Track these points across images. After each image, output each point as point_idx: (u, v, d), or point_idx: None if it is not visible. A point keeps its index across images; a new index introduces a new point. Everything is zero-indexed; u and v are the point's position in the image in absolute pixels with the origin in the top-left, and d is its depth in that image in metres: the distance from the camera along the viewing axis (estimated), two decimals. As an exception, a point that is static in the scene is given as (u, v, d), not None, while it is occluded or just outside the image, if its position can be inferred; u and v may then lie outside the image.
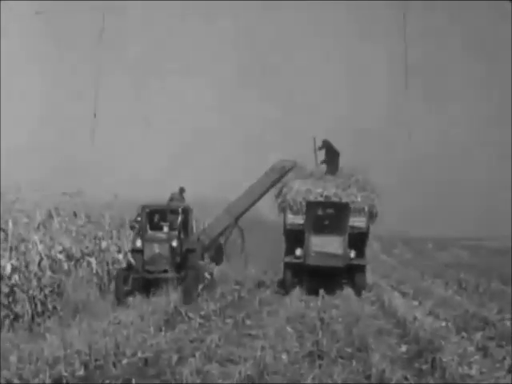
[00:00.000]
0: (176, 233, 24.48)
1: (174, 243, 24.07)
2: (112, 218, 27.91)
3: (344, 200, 27.53)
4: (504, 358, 14.26)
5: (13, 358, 12.92)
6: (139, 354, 13.85)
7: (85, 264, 24.00)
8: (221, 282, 27.05)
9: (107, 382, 11.92)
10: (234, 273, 30.17)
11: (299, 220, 27.54)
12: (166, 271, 23.84)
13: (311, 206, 27.32)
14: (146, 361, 13.53)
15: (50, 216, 24.62)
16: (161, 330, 16.65)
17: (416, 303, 23.65)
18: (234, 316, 19.33)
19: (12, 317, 17.88)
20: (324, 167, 29.19)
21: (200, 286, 24.68)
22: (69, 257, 23.19)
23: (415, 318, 18.50)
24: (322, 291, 24.64)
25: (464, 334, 17.08)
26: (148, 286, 23.35)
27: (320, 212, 27.70)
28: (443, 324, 18.61)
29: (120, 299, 22.37)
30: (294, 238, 27.35)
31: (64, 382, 11.94)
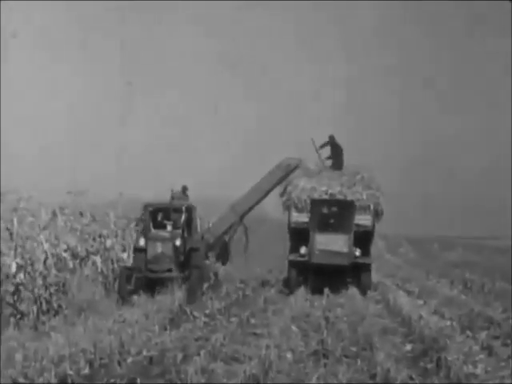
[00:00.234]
0: (179, 231, 24.26)
1: (178, 242, 23.84)
2: (117, 216, 27.93)
3: (349, 198, 27.48)
4: (509, 357, 14.23)
5: (18, 357, 12.94)
6: (144, 353, 13.86)
7: (90, 263, 24.02)
8: (225, 281, 27.01)
9: (112, 380, 11.93)
10: (238, 272, 30.13)
11: (304, 218, 27.47)
12: (169, 270, 23.60)
13: (316, 203, 27.25)
14: (150, 359, 13.53)
15: (55, 215, 24.65)
16: (166, 329, 16.65)
17: (421, 302, 23.63)
18: (238, 315, 19.31)
19: (18, 316, 17.90)
20: (329, 163, 29.13)
21: (205, 286, 24.65)
22: (74, 255, 23.24)
23: (420, 317, 18.48)
24: (326, 290, 24.59)
25: (469, 333, 17.05)
26: (151, 285, 23.12)
27: (325, 210, 27.63)
28: (448, 323, 18.58)
29: (123, 298, 22.18)
30: (299, 236, 27.28)
31: (69, 380, 11.95)
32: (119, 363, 13.15)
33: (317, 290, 25.25)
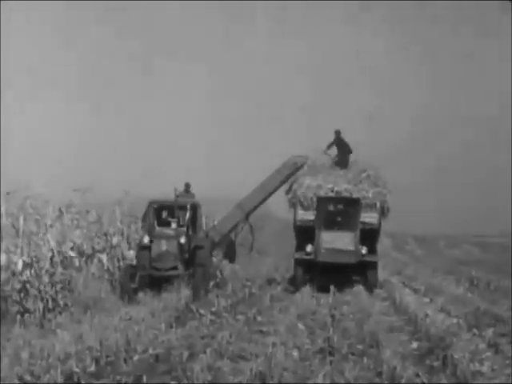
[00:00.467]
0: (184, 229, 24.12)
1: (182, 240, 23.67)
2: (123, 214, 27.93)
3: (355, 195, 27.39)
4: (515, 355, 14.23)
5: (24, 354, 12.96)
6: (150, 351, 13.86)
7: (96, 260, 24.03)
8: (231, 279, 26.97)
9: (118, 378, 11.93)
10: (244, 270, 30.10)
11: (310, 216, 27.40)
12: (173, 268, 23.43)
13: (322, 201, 27.17)
14: (157, 357, 13.53)
15: (61, 213, 24.67)
16: (172, 327, 16.65)
17: (427, 300, 23.59)
18: (245, 312, 19.31)
19: (24, 314, 17.92)
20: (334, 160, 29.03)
21: (211, 283, 24.59)
22: (80, 253, 23.26)
23: (426, 315, 18.46)
24: (332, 288, 24.52)
25: (475, 330, 17.01)
26: (155, 283, 22.97)
27: (331, 208, 27.59)
28: (454, 321, 18.54)
29: (127, 297, 21.93)
30: (305, 234, 27.20)
31: (75, 378, 11.95)
32: (125, 361, 13.16)
33: (323, 289, 25.20)
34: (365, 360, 13.47)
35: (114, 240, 25.61)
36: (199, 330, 16.65)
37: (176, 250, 23.60)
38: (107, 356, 13.24)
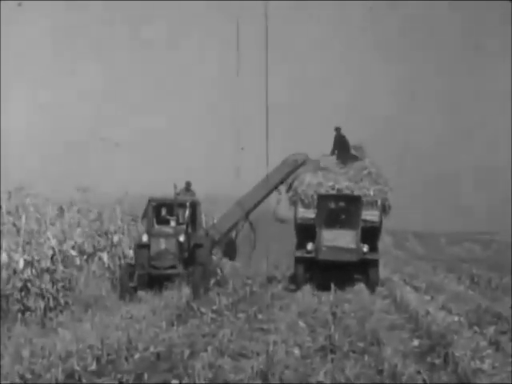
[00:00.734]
0: (183, 227, 23.88)
1: (181, 238, 23.46)
2: (123, 212, 27.93)
3: (356, 193, 27.26)
4: (517, 353, 14.22)
5: (25, 353, 12.97)
6: (151, 349, 13.86)
7: (97, 259, 24.02)
8: (232, 278, 26.92)
9: (119, 376, 11.93)
10: (245, 268, 30.05)
11: (310, 214, 27.26)
12: (172, 267, 23.22)
13: (323, 199, 27.03)
14: (158, 355, 13.53)
15: (62, 211, 24.69)
16: (173, 325, 16.65)
17: (428, 298, 23.57)
18: (246, 310, 19.32)
19: (24, 311, 17.93)
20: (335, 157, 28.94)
21: (211, 282, 24.54)
22: (81, 252, 23.25)
23: (427, 313, 18.46)
24: (333, 286, 24.43)
25: (476, 328, 17.01)
26: (154, 282, 22.79)
27: (332, 205, 27.47)
28: (456, 318, 18.54)
29: (125, 296, 21.81)
30: (305, 232, 27.06)
31: (76, 376, 11.96)
32: (126, 359, 13.16)
33: (323, 287, 25.09)
34: (366, 358, 13.46)
35: (115, 238, 25.60)
36: (200, 328, 16.66)
37: (175, 249, 23.39)
38: (108, 354, 13.25)
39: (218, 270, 26.53)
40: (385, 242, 53.85)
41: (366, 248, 26.32)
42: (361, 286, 25.55)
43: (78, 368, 12.20)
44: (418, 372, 12.17)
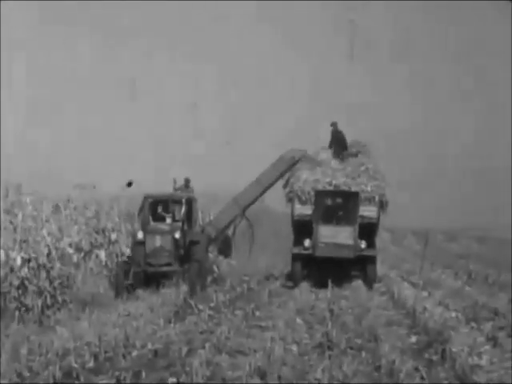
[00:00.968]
0: (179, 224, 23.70)
1: (177, 235, 23.24)
2: (121, 210, 27.92)
3: (354, 189, 27.15)
4: (514, 349, 14.25)
5: (23, 351, 12.97)
6: (149, 346, 13.86)
7: (94, 256, 24.00)
8: (229, 275, 26.87)
9: (117, 373, 11.92)
10: (242, 265, 29.99)
11: (307, 210, 27.15)
12: (168, 264, 23.04)
13: (320, 195, 26.93)
14: (155, 352, 13.54)
15: (58, 208, 24.67)
16: (170, 322, 16.66)
17: (426, 294, 23.59)
18: (243, 308, 19.32)
19: (23, 310, 17.95)
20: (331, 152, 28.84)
21: (209, 279, 24.50)
22: (78, 249, 23.24)
23: (425, 309, 18.50)
24: (330, 283, 24.40)
25: (474, 324, 17.05)
26: (150, 279, 22.64)
27: (329, 202, 27.39)
28: (453, 315, 18.58)
29: (121, 293, 21.67)
30: (303, 228, 26.95)
31: (74, 373, 11.95)
32: (124, 356, 13.16)
33: (321, 284, 25.06)
34: (363, 354, 13.48)
35: (112, 236, 25.56)
36: (198, 325, 16.66)
37: (170, 246, 23.22)
38: (106, 352, 13.25)
39: (215, 268, 26.46)
40: (383, 238, 53.88)
41: (363, 244, 26.22)
42: (358, 283, 25.54)
43: (75, 365, 12.20)
44: (416, 368, 12.19)
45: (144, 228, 23.73)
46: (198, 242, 24.14)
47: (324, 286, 24.31)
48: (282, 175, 28.78)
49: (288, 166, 28.67)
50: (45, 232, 21.29)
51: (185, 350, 13.59)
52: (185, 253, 23.66)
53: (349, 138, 29.07)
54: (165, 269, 22.97)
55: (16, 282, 18.32)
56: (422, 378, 11.87)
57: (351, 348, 14.15)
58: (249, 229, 30.16)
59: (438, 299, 21.65)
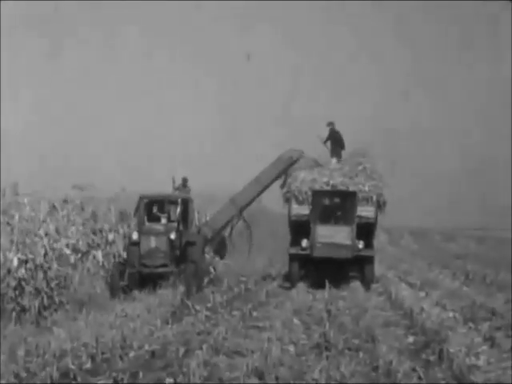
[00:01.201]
0: (175, 225, 23.48)
1: (172, 236, 23.00)
2: (118, 210, 27.89)
3: (351, 189, 27.06)
4: (511, 349, 14.23)
5: (20, 352, 12.96)
6: (146, 347, 13.86)
7: (91, 257, 23.97)
8: (226, 275, 26.81)
9: (114, 374, 11.92)
10: (239, 266, 29.94)
11: (304, 210, 27.08)
12: (163, 266, 22.83)
13: (317, 195, 26.86)
14: (153, 353, 13.53)
15: (55, 208, 24.66)
16: (168, 323, 16.64)
17: (423, 294, 23.58)
18: (240, 308, 19.31)
19: (19, 309, 17.93)
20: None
21: (206, 279, 24.44)
22: (75, 250, 23.20)
23: (422, 309, 18.49)
24: (328, 283, 24.34)
25: (471, 324, 17.04)
26: (145, 280, 22.46)
27: (326, 201, 27.32)
28: (450, 315, 18.57)
29: (116, 295, 21.51)
30: (300, 228, 26.85)
31: (71, 374, 11.95)
32: (121, 357, 13.16)
33: (318, 284, 25.00)
34: (361, 355, 13.48)
35: (110, 236, 25.53)
36: (195, 325, 16.64)
37: (166, 247, 23.02)
38: (103, 353, 13.24)
39: (212, 268, 26.38)
40: (380, 238, 53.92)
41: (361, 244, 26.14)
42: (356, 283, 25.52)
43: (72, 366, 12.20)
44: (413, 369, 12.19)
45: (139, 229, 23.55)
46: (194, 243, 23.95)
47: (321, 286, 24.26)
48: (279, 176, 28.72)
49: (286, 167, 28.61)
50: (42, 232, 21.27)
51: (182, 350, 13.59)
52: (180, 253, 23.48)
53: (349, 139, 29.08)
54: (160, 270, 22.79)
55: (13, 283, 18.30)
56: (420, 378, 11.87)
57: (349, 348, 14.15)
58: (246, 229, 30.12)
59: (435, 299, 21.64)
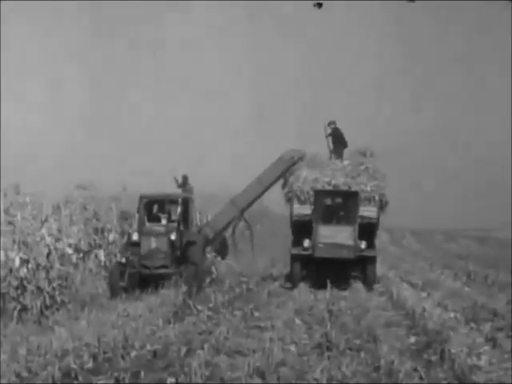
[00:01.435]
0: (175, 225, 23.33)
1: (173, 236, 22.84)
2: (120, 210, 27.89)
3: (353, 188, 26.96)
4: (513, 349, 14.24)
5: (22, 351, 12.97)
6: (148, 347, 13.86)
7: (93, 257, 23.98)
8: (228, 276, 26.80)
9: (116, 374, 11.92)
10: (242, 266, 29.92)
11: (306, 210, 26.97)
12: (164, 266, 22.69)
13: (319, 195, 26.76)
14: (154, 353, 13.53)
15: (59, 209, 24.67)
16: (169, 323, 16.66)
17: (425, 294, 23.56)
18: (242, 308, 19.31)
19: (21, 309, 17.95)
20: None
21: (207, 280, 24.41)
22: (77, 250, 23.23)
23: (424, 310, 18.47)
24: (329, 283, 24.29)
25: (473, 325, 17.03)
26: (145, 281, 22.35)
27: (328, 201, 27.23)
28: (452, 315, 18.56)
29: (116, 295, 21.39)
30: (302, 228, 26.75)
31: (73, 374, 11.95)
32: (123, 357, 13.16)
33: (319, 285, 24.95)
34: (362, 355, 13.48)
35: (111, 236, 25.53)
36: (197, 325, 16.66)
37: (166, 248, 22.86)
38: (105, 352, 13.25)
39: (213, 269, 26.33)
40: (381, 238, 53.90)
41: (363, 244, 26.04)
42: (357, 284, 25.49)
43: (74, 366, 12.20)
44: (415, 369, 12.19)
45: (139, 229, 23.43)
46: (195, 243, 23.83)
47: (323, 286, 24.22)
48: (280, 176, 28.62)
49: (287, 167, 28.51)
50: (44, 232, 21.28)
51: (184, 350, 13.60)
52: (181, 254, 23.34)
53: (350, 139, 29.01)
54: (160, 271, 22.66)
55: (15, 283, 18.33)
56: (421, 378, 11.88)
57: (350, 348, 14.15)
58: (247, 230, 30.06)
59: (436, 300, 21.62)
